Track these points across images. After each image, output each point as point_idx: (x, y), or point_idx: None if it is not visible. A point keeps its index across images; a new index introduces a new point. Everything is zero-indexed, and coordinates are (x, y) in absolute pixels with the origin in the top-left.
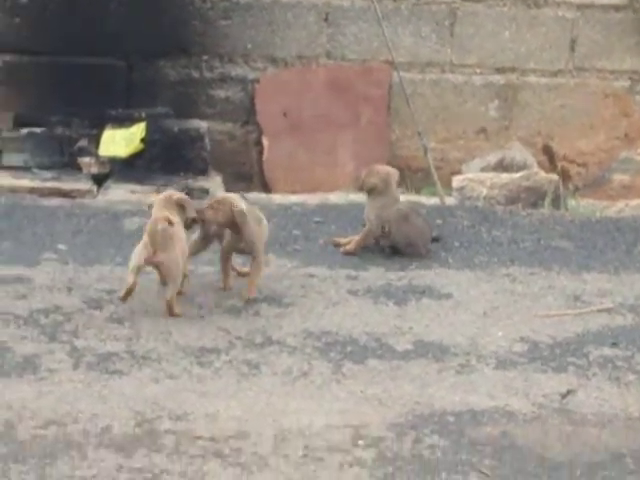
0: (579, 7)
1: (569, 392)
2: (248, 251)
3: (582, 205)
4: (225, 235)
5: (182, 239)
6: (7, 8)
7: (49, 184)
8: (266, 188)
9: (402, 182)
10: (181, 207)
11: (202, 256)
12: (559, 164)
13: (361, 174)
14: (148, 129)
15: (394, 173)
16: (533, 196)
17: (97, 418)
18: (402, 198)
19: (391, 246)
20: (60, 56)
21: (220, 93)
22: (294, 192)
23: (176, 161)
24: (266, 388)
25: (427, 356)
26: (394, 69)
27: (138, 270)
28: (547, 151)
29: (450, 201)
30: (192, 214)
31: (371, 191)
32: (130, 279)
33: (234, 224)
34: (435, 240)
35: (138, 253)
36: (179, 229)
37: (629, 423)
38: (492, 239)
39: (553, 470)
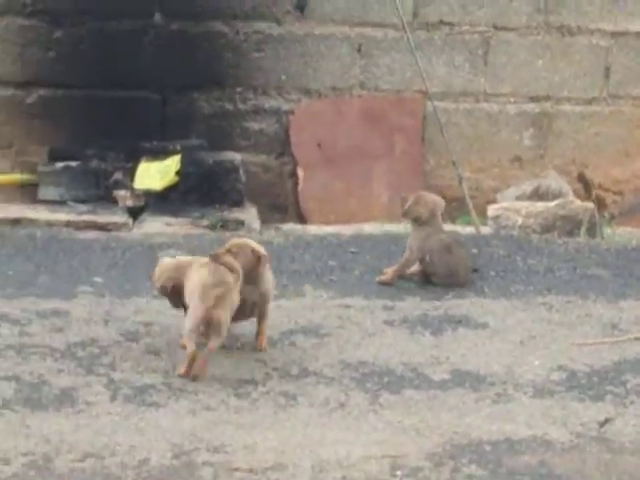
0: (613, 35)
1: (607, 420)
2: (261, 302)
3: (618, 233)
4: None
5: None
6: (42, 42)
7: (85, 217)
8: (301, 219)
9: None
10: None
11: None
12: (594, 192)
13: (407, 199)
14: (183, 161)
15: (440, 203)
16: (569, 224)
17: (134, 450)
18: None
19: (431, 276)
20: (95, 89)
21: (254, 125)
22: (329, 223)
23: (211, 193)
24: (303, 419)
25: (464, 386)
26: (428, 99)
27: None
28: (582, 179)
29: (485, 230)
30: None
31: (416, 220)
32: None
33: (252, 270)
34: (475, 271)
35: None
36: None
37: None
38: (528, 268)
39: None
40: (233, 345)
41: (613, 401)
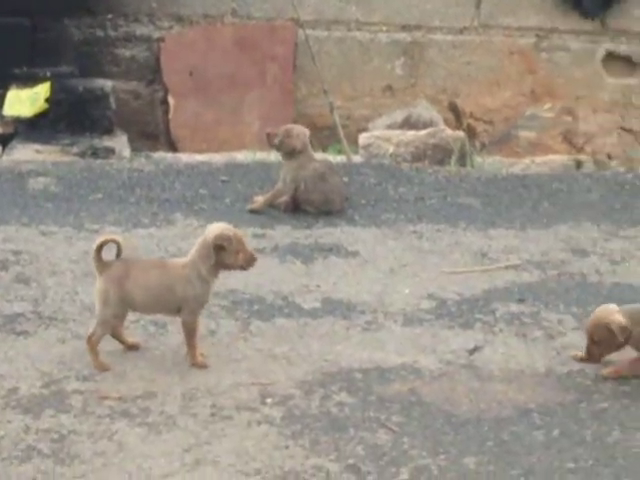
0: None
1: (476, 349)
2: None
3: (488, 162)
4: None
5: None
6: None
7: None
8: (172, 147)
9: (309, 140)
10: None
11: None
12: (465, 121)
13: (275, 132)
14: (53, 89)
15: (307, 132)
16: (439, 153)
17: (3, 379)
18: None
19: (307, 204)
20: None
21: (125, 52)
22: (200, 151)
23: (81, 120)
24: (173, 347)
25: (335, 314)
26: (299, 27)
27: None
28: (453, 108)
29: (356, 159)
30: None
31: (291, 153)
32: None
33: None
34: (346, 199)
35: None
36: None
37: (536, 379)
38: (399, 196)
39: (460, 426)
40: None
41: (482, 329)
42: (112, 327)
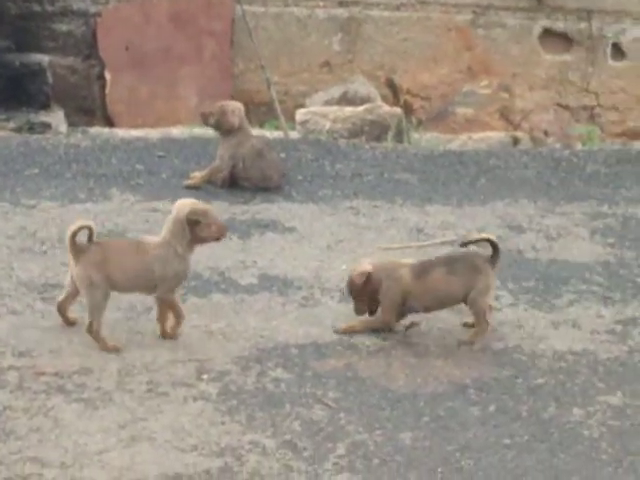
0: None
1: (412, 324)
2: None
3: (425, 138)
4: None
5: None
6: None
7: None
8: (109, 122)
9: (246, 116)
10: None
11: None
12: (402, 97)
13: (211, 111)
14: None
15: (242, 108)
16: (376, 129)
17: None
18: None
19: (245, 181)
20: None
21: (62, 27)
22: (136, 126)
23: (18, 95)
24: (109, 323)
25: (271, 290)
26: (237, 2)
27: None
28: (390, 84)
29: (293, 135)
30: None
31: (229, 130)
32: None
33: None
34: (283, 175)
35: None
36: None
37: (472, 355)
38: (335, 172)
39: (397, 401)
40: (39, 249)
41: None
42: (104, 308)
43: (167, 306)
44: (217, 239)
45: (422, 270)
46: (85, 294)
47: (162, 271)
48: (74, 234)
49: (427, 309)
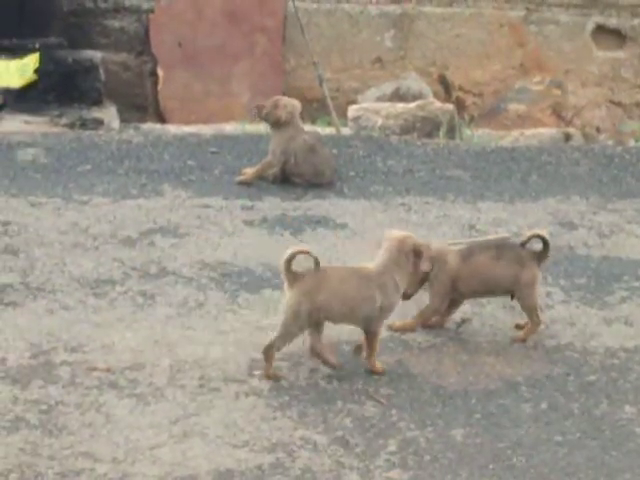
0: None
1: (464, 321)
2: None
3: (477, 135)
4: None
5: None
6: None
7: None
8: (161, 119)
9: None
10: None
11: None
12: (454, 94)
13: (264, 104)
14: (42, 60)
15: (297, 105)
16: (428, 126)
17: None
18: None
19: (297, 177)
20: None
21: (114, 23)
22: (189, 123)
23: (70, 92)
24: (161, 319)
25: None
26: None
27: None
28: (442, 81)
29: (345, 131)
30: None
31: (276, 123)
32: None
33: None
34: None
35: None
36: None
37: (524, 352)
38: (387, 169)
39: (448, 398)
40: (91, 245)
41: (470, 301)
42: (293, 340)
43: (369, 339)
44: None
45: (469, 254)
46: (285, 319)
47: (382, 302)
48: (290, 260)
49: (474, 294)
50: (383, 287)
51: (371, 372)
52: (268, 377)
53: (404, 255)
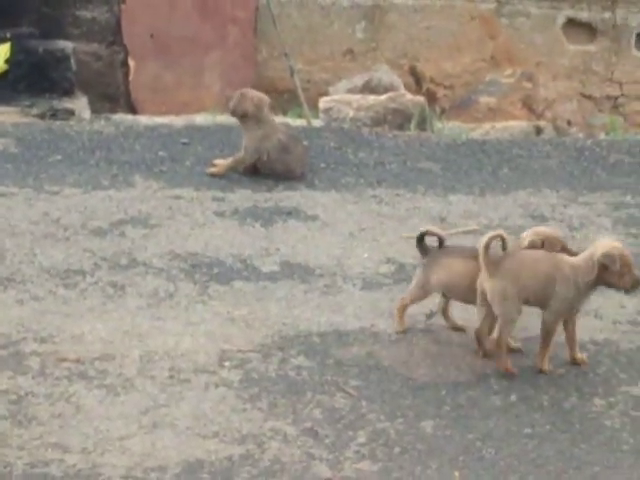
0: None
1: (434, 313)
2: None
3: (448, 127)
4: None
5: None
6: None
7: None
8: (132, 109)
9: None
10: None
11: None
12: (425, 86)
13: (231, 97)
14: (13, 50)
15: (265, 98)
16: (399, 118)
17: None
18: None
19: (269, 171)
20: None
21: (86, 13)
22: (160, 113)
23: (41, 82)
24: (131, 310)
25: (293, 277)
26: None
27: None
28: (413, 73)
29: (316, 123)
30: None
31: (243, 117)
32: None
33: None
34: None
35: None
36: None
37: (492, 344)
38: (358, 161)
39: (418, 390)
40: (61, 235)
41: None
42: (515, 324)
43: (543, 331)
44: (626, 291)
45: None
46: (497, 307)
47: (559, 289)
48: (487, 245)
49: None
50: (566, 279)
51: (539, 370)
52: (507, 369)
53: (592, 262)
